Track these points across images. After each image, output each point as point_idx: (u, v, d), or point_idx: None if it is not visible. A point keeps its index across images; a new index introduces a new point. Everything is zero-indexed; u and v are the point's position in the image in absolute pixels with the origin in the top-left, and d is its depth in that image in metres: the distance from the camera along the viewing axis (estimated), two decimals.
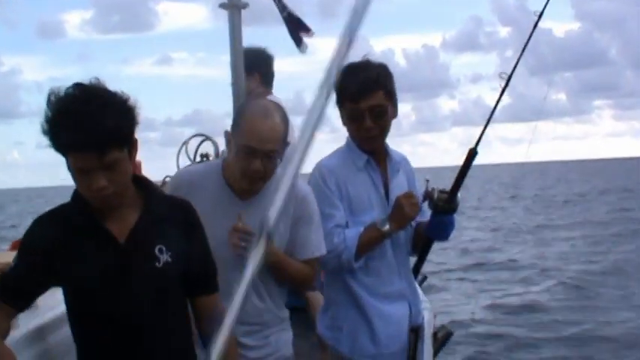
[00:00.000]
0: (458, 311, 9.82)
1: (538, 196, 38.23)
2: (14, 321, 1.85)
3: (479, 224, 23.54)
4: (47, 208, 1.88)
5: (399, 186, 2.46)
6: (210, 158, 3.60)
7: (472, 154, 2.59)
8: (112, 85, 1.73)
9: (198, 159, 3.62)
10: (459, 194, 2.50)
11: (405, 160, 2.58)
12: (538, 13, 2.60)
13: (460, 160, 2.61)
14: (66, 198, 1.85)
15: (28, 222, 1.92)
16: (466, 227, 21.52)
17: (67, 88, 1.67)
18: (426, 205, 2.49)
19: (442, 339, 2.85)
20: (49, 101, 1.66)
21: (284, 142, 2.17)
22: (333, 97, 2.46)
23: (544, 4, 2.74)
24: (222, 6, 2.77)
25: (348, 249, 2.33)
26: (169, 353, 1.84)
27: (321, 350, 2.82)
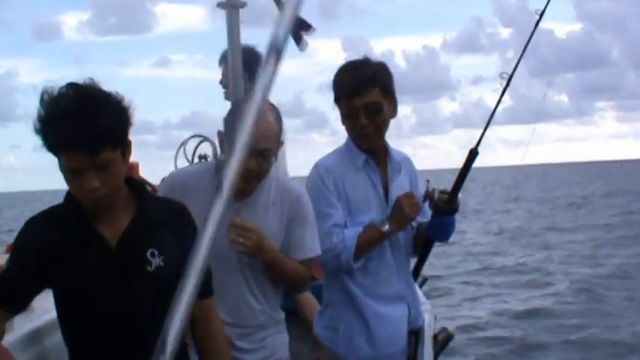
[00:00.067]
0: (463, 315, 9.80)
1: (541, 199, 38.17)
2: (9, 324, 1.83)
3: (482, 227, 23.49)
4: None
5: (399, 186, 2.44)
6: (209, 159, 3.58)
7: (473, 154, 2.57)
8: (110, 88, 1.71)
9: (196, 160, 3.60)
10: (459, 195, 2.48)
11: (407, 160, 2.57)
12: (539, 12, 2.58)
13: (461, 163, 2.60)
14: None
15: None
16: (467, 230, 21.49)
17: (61, 88, 1.66)
18: (427, 205, 2.48)
19: (443, 341, 2.83)
20: (42, 100, 1.65)
21: (278, 141, 2.16)
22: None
23: (545, 3, 2.72)
24: (219, 5, 2.76)
25: (347, 249, 2.31)
26: None
27: (317, 350, 2.80)
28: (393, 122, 2.46)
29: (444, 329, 2.88)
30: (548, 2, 2.71)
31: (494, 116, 2.64)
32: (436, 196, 2.44)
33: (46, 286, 1.79)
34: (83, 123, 1.60)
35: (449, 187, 2.50)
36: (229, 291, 2.16)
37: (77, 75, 1.72)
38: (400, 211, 2.34)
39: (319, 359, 2.89)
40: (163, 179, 2.56)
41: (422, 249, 2.64)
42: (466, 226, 22.55)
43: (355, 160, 2.40)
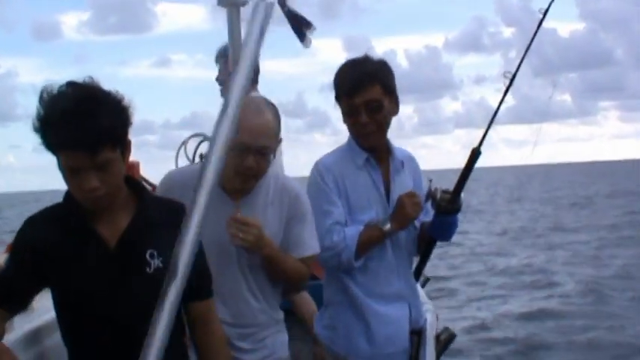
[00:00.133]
0: (467, 316, 9.78)
1: (545, 199, 38.10)
2: (9, 324, 1.82)
3: (485, 228, 23.46)
4: None
5: (402, 185, 2.43)
6: None
7: (475, 153, 2.56)
8: (110, 87, 1.70)
9: (197, 160, 3.59)
10: (462, 195, 2.47)
11: (410, 159, 2.55)
12: (543, 11, 2.57)
13: (463, 163, 2.59)
14: None
15: None
16: (471, 231, 21.46)
17: (60, 86, 1.65)
18: (429, 204, 2.47)
19: (445, 341, 2.82)
20: (41, 99, 1.63)
21: (276, 139, 2.16)
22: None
23: (549, 2, 2.70)
24: (220, 3, 2.74)
25: (348, 247, 2.30)
26: None
27: (315, 346, 2.80)
28: (394, 122, 2.45)
29: (446, 329, 2.87)
30: (552, 1, 2.69)
31: (498, 116, 2.63)
32: (438, 195, 2.43)
33: (45, 285, 1.78)
34: (83, 122, 1.58)
35: (451, 187, 2.48)
36: (229, 290, 2.15)
37: (77, 75, 1.72)
38: (402, 210, 2.33)
39: (315, 354, 2.90)
40: None
41: (424, 248, 2.63)
42: (470, 227, 22.52)
43: (356, 159, 2.39)
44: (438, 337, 2.77)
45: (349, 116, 2.36)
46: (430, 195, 2.44)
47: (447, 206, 2.43)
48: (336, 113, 2.44)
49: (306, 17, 2.17)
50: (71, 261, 1.73)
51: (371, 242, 2.34)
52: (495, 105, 2.65)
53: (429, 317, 2.65)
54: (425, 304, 2.78)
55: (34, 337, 2.10)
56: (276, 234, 2.18)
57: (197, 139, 3.69)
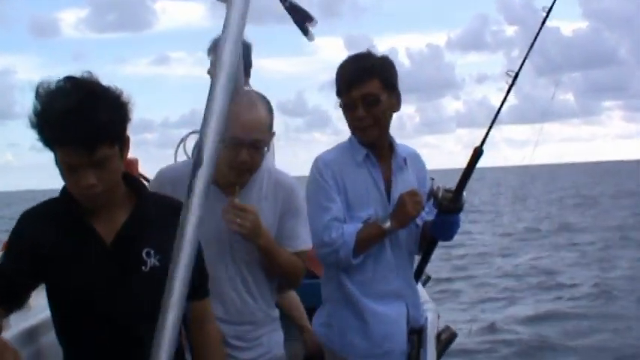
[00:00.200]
0: (472, 317, 9.76)
1: (549, 200, 38.01)
2: (5, 322, 1.80)
3: (490, 228, 23.41)
4: None
5: (404, 183, 2.42)
6: None
7: (477, 153, 2.55)
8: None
9: None
10: (464, 194, 2.46)
11: (415, 157, 2.54)
12: (546, 9, 2.55)
13: (465, 163, 2.58)
14: None
15: None
16: (476, 231, 21.42)
17: (58, 81, 1.62)
18: (431, 203, 2.46)
19: (446, 341, 2.81)
20: (37, 93, 1.61)
21: (269, 132, 2.16)
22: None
23: (552, 0, 2.68)
24: None
25: (346, 244, 2.28)
26: None
27: (303, 334, 2.79)
28: (395, 121, 2.44)
29: (447, 328, 2.86)
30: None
31: (501, 116, 2.62)
32: (440, 194, 2.42)
33: (41, 281, 1.76)
34: (81, 118, 1.56)
35: (453, 187, 2.47)
36: (224, 288, 2.14)
37: (75, 72, 1.68)
38: (402, 209, 2.32)
39: (305, 341, 2.90)
40: None
41: (426, 248, 2.62)
42: (475, 228, 22.50)
43: (356, 155, 2.38)
44: (439, 336, 2.76)
45: (347, 110, 2.36)
46: (432, 194, 2.43)
47: (449, 205, 2.41)
48: (336, 112, 2.43)
49: (307, 11, 2.15)
50: (66, 258, 1.71)
51: (370, 240, 2.32)
52: (498, 104, 2.63)
53: (430, 316, 2.64)
54: (426, 303, 2.77)
55: (31, 335, 2.09)
56: (270, 228, 2.17)
57: (196, 137, 3.67)
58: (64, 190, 1.75)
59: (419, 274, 2.70)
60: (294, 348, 2.89)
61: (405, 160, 2.46)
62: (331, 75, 2.45)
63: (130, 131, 1.72)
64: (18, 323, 2.01)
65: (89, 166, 1.61)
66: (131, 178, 1.83)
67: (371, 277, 2.37)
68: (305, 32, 2.17)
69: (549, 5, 2.62)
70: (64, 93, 1.60)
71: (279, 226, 2.21)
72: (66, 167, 1.63)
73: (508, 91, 2.59)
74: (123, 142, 1.68)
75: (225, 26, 0.85)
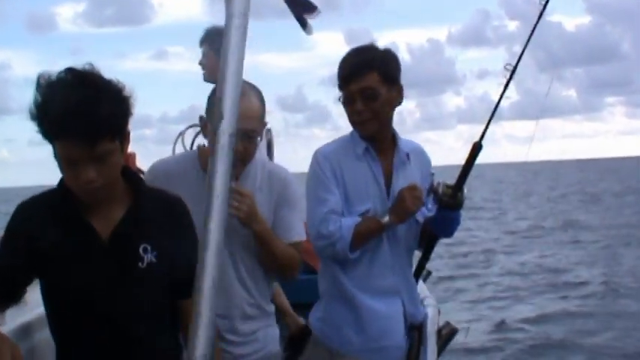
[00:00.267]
0: (475, 316, 9.74)
1: (553, 197, 37.89)
2: (1, 317, 1.79)
3: (493, 226, 23.36)
4: None
5: (406, 179, 2.40)
6: None
7: (477, 148, 2.54)
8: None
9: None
10: (465, 190, 2.45)
11: (419, 152, 2.52)
12: (543, 1, 2.54)
13: (465, 159, 2.57)
14: None
15: None
16: (479, 229, 21.38)
17: (59, 73, 1.59)
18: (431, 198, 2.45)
19: (446, 336, 2.81)
20: (38, 84, 1.57)
21: (262, 122, 2.17)
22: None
23: None
24: None
25: (343, 238, 2.27)
26: (152, 357, 1.76)
27: (284, 317, 2.81)
28: (395, 117, 2.43)
29: (447, 324, 2.85)
30: None
31: (502, 111, 2.61)
32: (440, 190, 2.41)
33: (37, 277, 1.74)
34: (82, 111, 1.52)
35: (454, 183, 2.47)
36: (219, 281, 2.14)
37: (74, 66, 1.66)
38: (401, 204, 2.31)
39: (288, 325, 2.92)
40: None
41: (426, 244, 2.61)
42: (478, 225, 22.45)
43: (356, 149, 2.37)
44: (439, 331, 2.76)
45: (346, 104, 2.35)
46: (432, 189, 2.42)
47: (449, 201, 2.40)
48: (336, 108, 2.42)
49: (310, 1, 2.14)
50: (67, 257, 1.69)
51: (368, 234, 2.31)
52: (497, 99, 2.63)
53: (430, 312, 2.63)
54: (426, 299, 2.76)
55: (26, 331, 2.08)
56: (265, 220, 2.18)
57: (194, 131, 3.67)
58: (61, 182, 1.72)
59: (419, 270, 2.69)
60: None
61: (407, 155, 2.45)
62: (331, 70, 2.44)
63: (129, 126, 1.69)
64: (14, 319, 2.00)
65: (89, 160, 1.58)
66: (130, 172, 1.81)
67: (367, 273, 2.36)
68: (303, 25, 2.17)
69: None
70: (65, 85, 1.56)
71: (274, 218, 2.21)
72: (65, 161, 1.60)
73: (506, 85, 2.58)
74: (124, 137, 1.66)
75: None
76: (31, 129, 1.58)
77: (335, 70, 2.42)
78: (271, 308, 2.31)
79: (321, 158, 2.35)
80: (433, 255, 2.71)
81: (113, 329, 1.71)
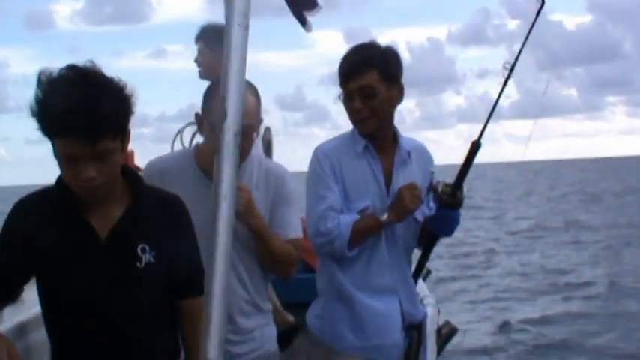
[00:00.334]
0: (477, 316, 9.73)
1: (553, 197, 37.86)
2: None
3: (494, 226, 23.33)
4: None
5: (406, 177, 2.40)
6: None
7: (475, 146, 2.54)
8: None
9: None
10: (465, 189, 2.45)
11: (421, 151, 2.52)
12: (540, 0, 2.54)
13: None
14: None
15: None
16: (480, 229, 21.36)
17: (61, 69, 1.58)
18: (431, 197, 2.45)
19: (446, 335, 2.80)
20: (39, 81, 1.56)
21: (258, 118, 2.17)
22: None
23: None
24: None
25: (341, 235, 2.27)
26: (152, 357, 1.76)
27: (276, 314, 2.79)
28: (395, 116, 2.43)
29: (447, 323, 2.85)
30: None
31: (502, 111, 2.60)
32: (440, 188, 2.41)
33: (34, 273, 1.73)
34: (84, 109, 1.51)
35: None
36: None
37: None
38: (400, 202, 2.31)
39: (275, 320, 2.92)
40: None
41: (426, 243, 2.61)
42: (478, 225, 22.44)
43: (356, 146, 2.37)
44: (439, 330, 2.75)
45: (345, 102, 2.36)
46: (432, 188, 2.42)
47: (448, 200, 2.40)
48: (335, 107, 2.43)
49: None
50: (66, 257, 1.68)
51: (366, 231, 2.31)
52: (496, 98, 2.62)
53: (430, 311, 2.63)
54: (425, 298, 2.76)
55: (23, 329, 2.08)
56: (262, 214, 2.18)
57: (193, 128, 3.66)
58: (60, 180, 1.71)
59: (419, 269, 2.69)
60: (293, 346, 2.89)
61: (409, 153, 2.45)
62: (330, 69, 2.44)
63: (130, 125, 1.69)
64: (11, 318, 2.00)
65: (90, 158, 1.57)
66: (129, 171, 1.80)
67: (365, 271, 2.36)
68: (303, 23, 2.17)
69: None
70: (67, 82, 1.55)
71: (270, 215, 2.21)
72: (65, 159, 1.58)
73: (504, 84, 2.58)
74: (124, 136, 1.65)
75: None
76: (28, 127, 1.58)
77: (334, 68, 2.43)
78: (267, 306, 2.31)
79: (321, 155, 2.35)
80: (433, 255, 2.71)
81: (112, 329, 1.70)
